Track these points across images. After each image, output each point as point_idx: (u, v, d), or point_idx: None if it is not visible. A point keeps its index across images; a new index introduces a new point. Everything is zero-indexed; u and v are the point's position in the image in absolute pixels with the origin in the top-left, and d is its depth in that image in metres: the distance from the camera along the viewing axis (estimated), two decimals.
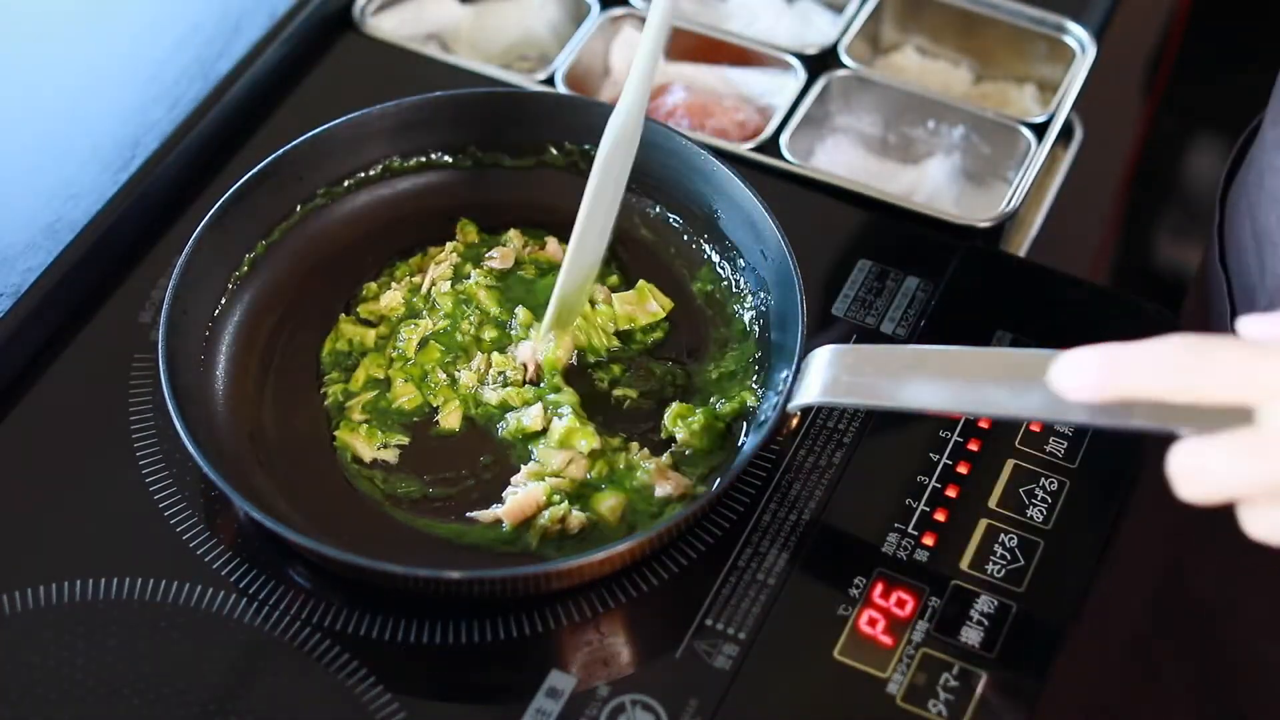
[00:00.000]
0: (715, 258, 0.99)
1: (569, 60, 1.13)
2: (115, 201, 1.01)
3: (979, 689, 0.81)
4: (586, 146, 1.00)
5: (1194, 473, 0.63)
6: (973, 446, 0.90)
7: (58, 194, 1.02)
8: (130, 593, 0.85)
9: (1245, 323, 0.66)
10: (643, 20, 1.17)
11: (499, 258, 0.99)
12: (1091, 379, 0.66)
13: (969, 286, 0.99)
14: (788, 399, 0.85)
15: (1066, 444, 0.90)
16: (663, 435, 0.91)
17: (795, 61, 1.13)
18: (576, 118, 1.01)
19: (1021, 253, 1.08)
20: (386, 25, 1.18)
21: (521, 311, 0.96)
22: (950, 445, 0.90)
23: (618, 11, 1.17)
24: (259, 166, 0.96)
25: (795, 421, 0.91)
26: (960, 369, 0.77)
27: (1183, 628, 0.89)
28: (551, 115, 1.02)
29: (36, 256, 0.98)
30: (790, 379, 0.85)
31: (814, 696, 0.81)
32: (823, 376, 0.83)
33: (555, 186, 1.02)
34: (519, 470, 0.89)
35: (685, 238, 1.01)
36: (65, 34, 1.16)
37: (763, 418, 0.89)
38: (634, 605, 0.85)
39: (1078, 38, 1.15)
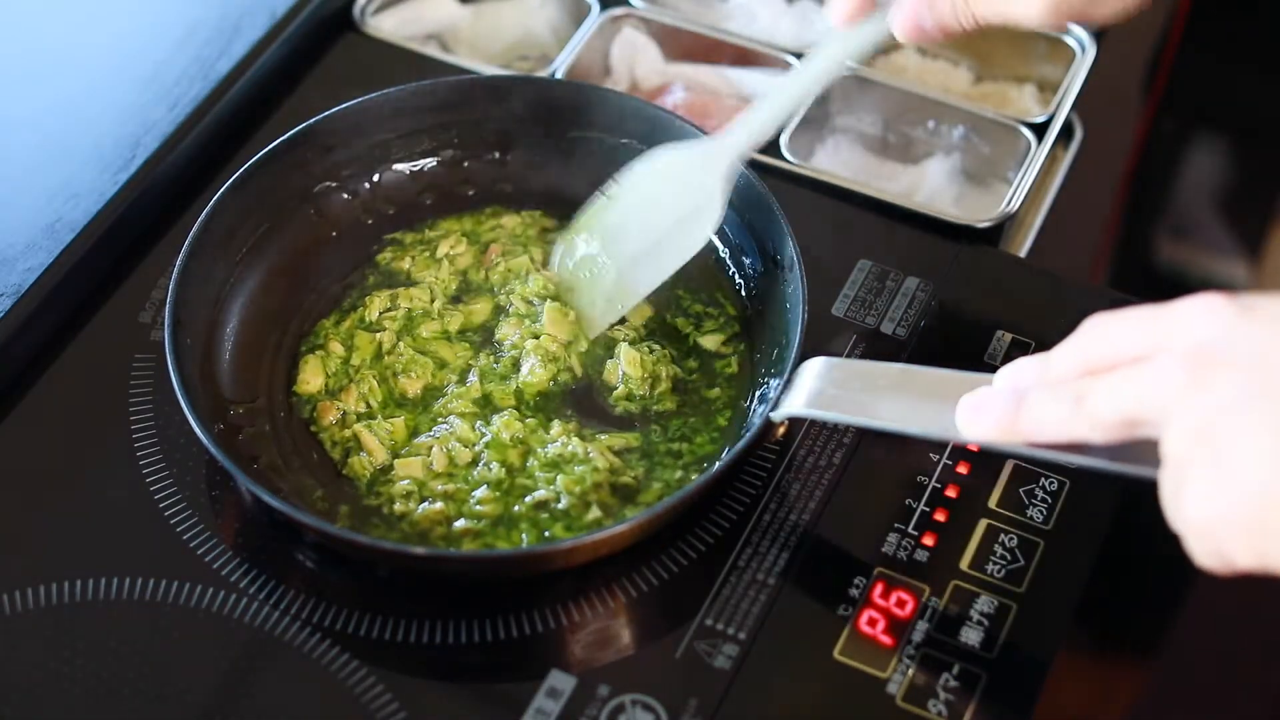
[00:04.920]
0: (719, 246, 1.00)
1: (569, 60, 1.13)
2: (115, 201, 1.01)
3: (979, 689, 0.81)
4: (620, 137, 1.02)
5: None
6: (973, 446, 0.90)
7: (58, 194, 1.02)
8: (130, 593, 0.85)
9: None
10: (643, 20, 1.17)
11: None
12: (990, 429, 0.73)
13: (969, 286, 0.99)
14: (773, 408, 0.85)
15: None
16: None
17: (795, 61, 1.13)
18: (604, 107, 1.02)
19: (1021, 253, 1.08)
20: (386, 25, 1.18)
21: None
22: (950, 445, 0.90)
23: (618, 11, 1.17)
24: (290, 134, 0.98)
25: (782, 430, 0.91)
26: (945, 394, 0.77)
27: (1185, 628, 0.89)
28: (585, 104, 1.02)
29: (37, 257, 0.98)
30: (780, 387, 0.85)
31: (814, 696, 0.81)
32: (809, 388, 0.83)
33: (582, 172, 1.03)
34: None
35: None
36: (65, 34, 1.16)
37: (753, 420, 0.89)
38: (634, 605, 0.85)
39: (1078, 38, 1.15)
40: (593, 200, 0.97)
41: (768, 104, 0.93)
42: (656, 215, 0.95)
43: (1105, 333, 0.69)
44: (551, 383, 0.93)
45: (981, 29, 0.87)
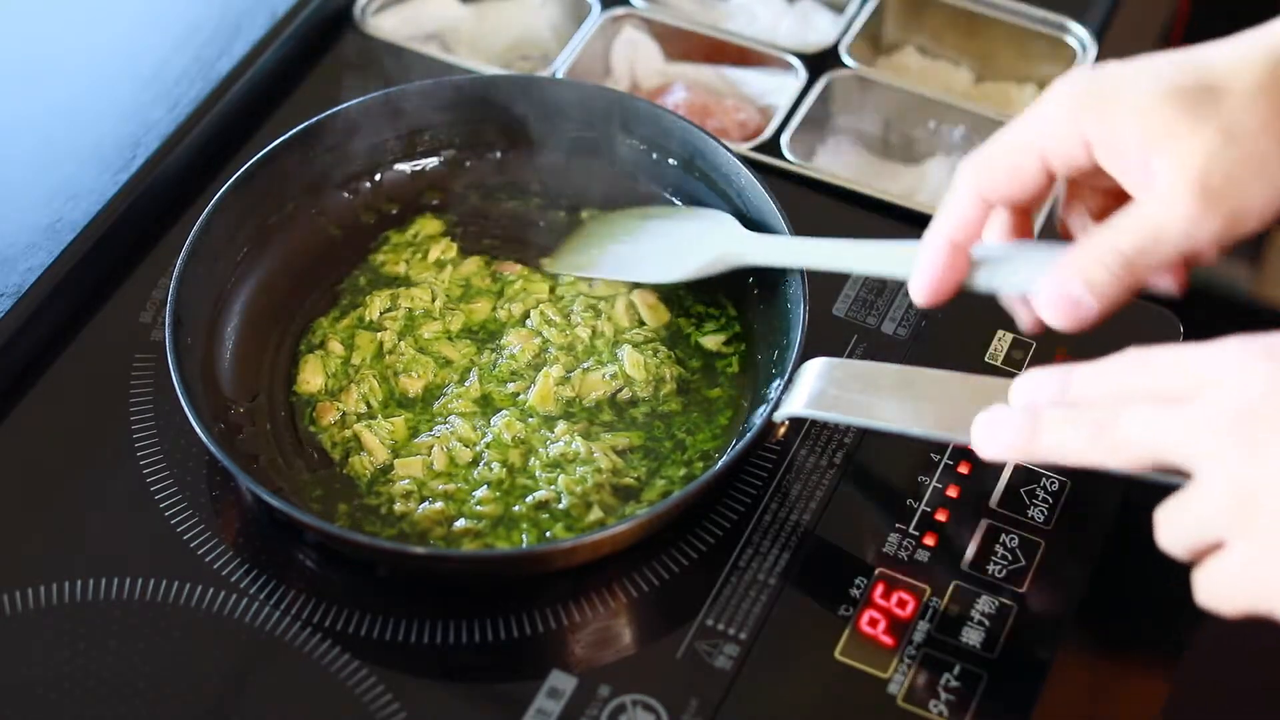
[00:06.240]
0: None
1: (570, 60, 1.13)
2: (115, 201, 1.01)
3: (980, 689, 0.81)
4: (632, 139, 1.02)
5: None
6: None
7: (58, 194, 1.02)
8: (130, 593, 0.85)
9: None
10: (643, 20, 1.17)
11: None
12: (1004, 450, 0.71)
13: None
14: (775, 408, 0.85)
15: None
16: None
17: (796, 61, 1.13)
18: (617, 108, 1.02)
19: None
20: (387, 25, 1.18)
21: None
22: (951, 446, 0.90)
23: (618, 11, 1.17)
24: (290, 133, 0.98)
25: (783, 430, 0.91)
26: (946, 394, 0.77)
27: (1183, 628, 0.89)
28: (586, 104, 1.02)
29: (37, 257, 0.98)
30: (781, 387, 0.85)
31: (815, 697, 0.81)
32: (810, 389, 0.83)
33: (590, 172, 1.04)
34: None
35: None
36: (65, 35, 1.16)
37: (754, 421, 0.89)
38: (635, 605, 0.85)
39: (1079, 38, 1.15)
40: (647, 207, 1.01)
41: (814, 247, 0.90)
42: (656, 240, 0.98)
43: (1137, 364, 0.68)
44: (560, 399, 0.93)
45: (1140, 284, 0.74)
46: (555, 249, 1.01)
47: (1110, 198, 0.79)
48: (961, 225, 0.78)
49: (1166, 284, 0.77)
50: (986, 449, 0.72)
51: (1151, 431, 0.65)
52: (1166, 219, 0.71)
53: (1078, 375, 0.69)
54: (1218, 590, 0.65)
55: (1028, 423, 0.70)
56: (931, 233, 0.79)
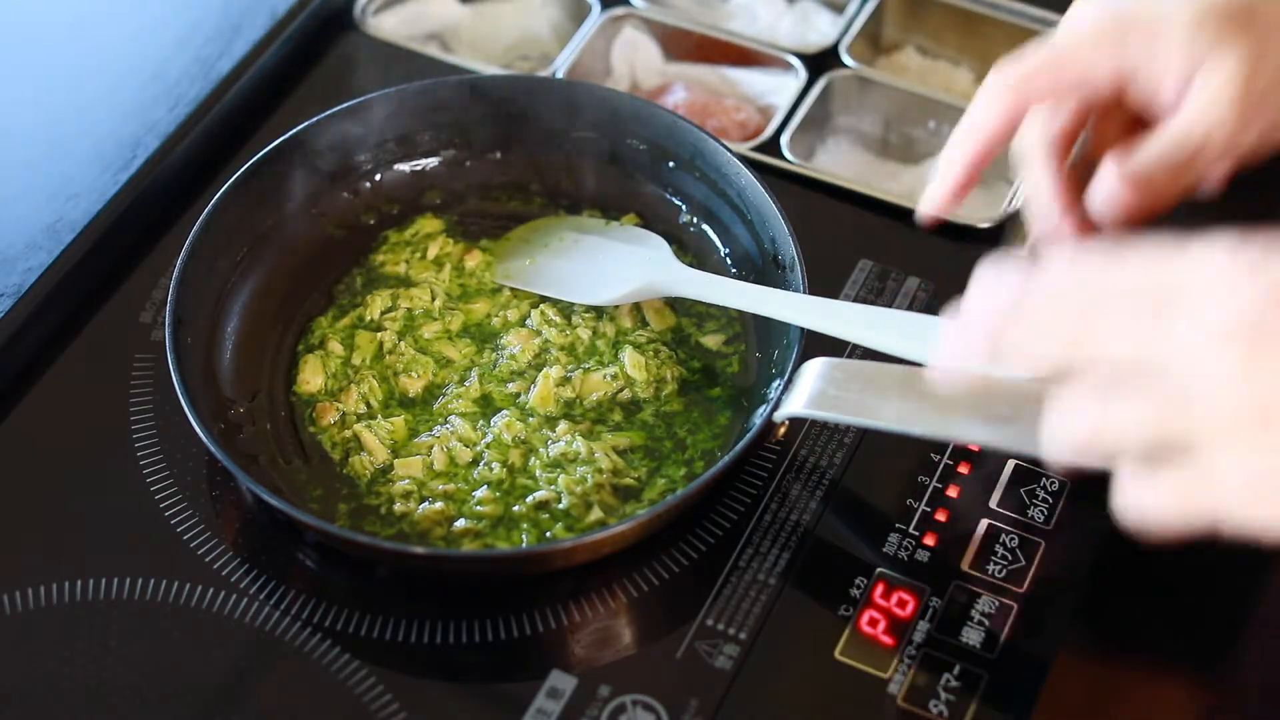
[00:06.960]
0: (720, 246, 1.00)
1: (570, 60, 1.13)
2: (115, 201, 1.01)
3: (980, 689, 0.81)
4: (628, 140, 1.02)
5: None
6: (974, 446, 0.90)
7: (58, 194, 1.02)
8: (130, 593, 0.85)
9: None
10: (643, 20, 1.17)
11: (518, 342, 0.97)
12: (973, 349, 0.63)
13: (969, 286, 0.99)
14: (775, 408, 0.85)
15: None
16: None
17: (796, 61, 1.13)
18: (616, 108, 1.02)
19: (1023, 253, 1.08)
20: (387, 25, 1.18)
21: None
22: (951, 445, 0.90)
23: (618, 11, 1.17)
24: (290, 133, 0.98)
25: (783, 430, 0.91)
26: (946, 394, 0.77)
27: (1185, 627, 0.89)
28: (586, 104, 1.02)
29: (37, 256, 0.98)
30: (781, 387, 0.85)
31: (815, 697, 0.81)
32: (810, 388, 0.83)
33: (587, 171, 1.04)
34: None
35: (690, 229, 1.02)
36: (66, 34, 1.16)
37: (754, 421, 0.89)
38: (635, 605, 0.85)
39: None
40: (591, 218, 1.01)
41: (736, 289, 0.92)
42: (589, 259, 0.98)
43: (1108, 266, 0.60)
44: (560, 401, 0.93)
45: (1185, 189, 0.75)
46: (496, 242, 1.01)
47: (1135, 127, 0.80)
48: (992, 137, 0.79)
49: (1210, 185, 0.78)
50: (941, 383, 0.67)
51: (1134, 346, 0.59)
52: (1211, 125, 0.74)
53: (1042, 281, 0.61)
54: (1167, 503, 0.59)
55: (986, 347, 0.62)
56: (963, 140, 0.79)
